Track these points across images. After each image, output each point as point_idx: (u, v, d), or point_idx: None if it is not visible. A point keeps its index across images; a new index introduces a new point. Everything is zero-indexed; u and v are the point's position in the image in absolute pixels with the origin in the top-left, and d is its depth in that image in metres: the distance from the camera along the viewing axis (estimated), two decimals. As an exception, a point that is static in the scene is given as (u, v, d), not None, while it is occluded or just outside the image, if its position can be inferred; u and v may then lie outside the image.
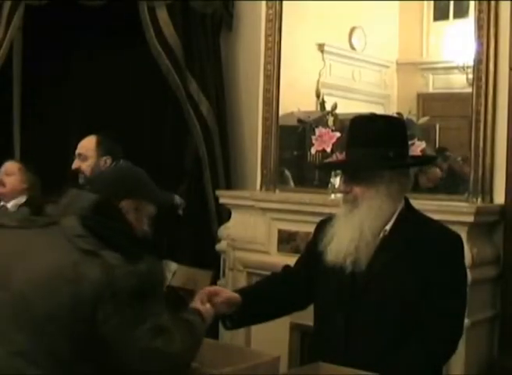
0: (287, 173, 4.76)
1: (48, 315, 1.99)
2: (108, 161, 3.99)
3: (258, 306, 2.72)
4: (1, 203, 4.47)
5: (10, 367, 1.98)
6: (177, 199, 2.60)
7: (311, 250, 2.76)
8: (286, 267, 2.91)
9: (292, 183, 4.73)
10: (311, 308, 2.80)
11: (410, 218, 2.59)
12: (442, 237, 2.58)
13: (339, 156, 4.14)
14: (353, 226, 2.52)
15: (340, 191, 2.70)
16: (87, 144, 4.03)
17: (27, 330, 1.99)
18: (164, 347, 2.06)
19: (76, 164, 4.02)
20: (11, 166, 4.54)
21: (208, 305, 2.44)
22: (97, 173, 3.90)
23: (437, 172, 4.27)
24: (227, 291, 2.70)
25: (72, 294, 1.99)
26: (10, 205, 4.43)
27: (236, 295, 2.64)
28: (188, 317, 2.29)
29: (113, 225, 2.16)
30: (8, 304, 2.04)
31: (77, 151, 4.04)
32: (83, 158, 4.00)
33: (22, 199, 4.44)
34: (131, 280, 2.01)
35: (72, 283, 2.00)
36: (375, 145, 2.54)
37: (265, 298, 2.76)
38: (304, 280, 2.77)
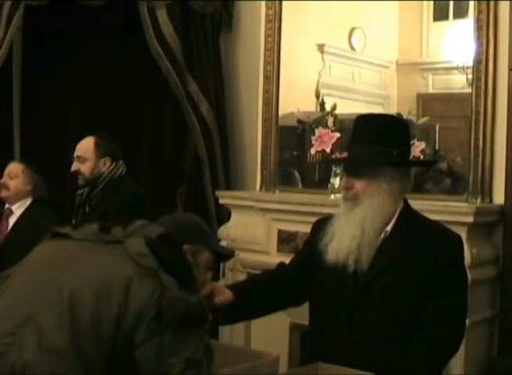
0: (297, 174, 4.75)
1: (92, 320, 2.00)
2: (108, 162, 3.98)
3: (250, 302, 2.71)
4: (6, 206, 4.45)
5: (39, 362, 1.99)
6: (227, 249, 2.79)
7: (309, 249, 2.76)
8: (281, 264, 2.91)
9: (300, 185, 4.72)
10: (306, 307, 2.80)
11: (410, 219, 2.60)
12: (443, 237, 2.58)
13: (340, 156, 4.14)
14: (355, 223, 2.52)
15: (341, 188, 2.70)
16: (85, 146, 4.02)
17: (68, 330, 2.00)
18: None
19: (75, 166, 4.01)
20: (14, 168, 4.47)
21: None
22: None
23: (448, 183, 4.28)
24: (223, 288, 2.68)
25: (119, 304, 2.00)
26: (15, 207, 4.41)
27: (230, 294, 2.63)
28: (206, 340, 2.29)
29: (174, 254, 2.18)
30: (58, 303, 2.04)
31: (76, 154, 4.02)
32: (82, 160, 3.99)
33: (27, 201, 4.42)
34: (179, 306, 2.03)
35: (122, 295, 2.01)
36: (379, 143, 2.55)
37: (257, 293, 2.75)
38: (299, 277, 2.76)
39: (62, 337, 1.99)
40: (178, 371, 2.02)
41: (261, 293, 2.75)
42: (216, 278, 4.52)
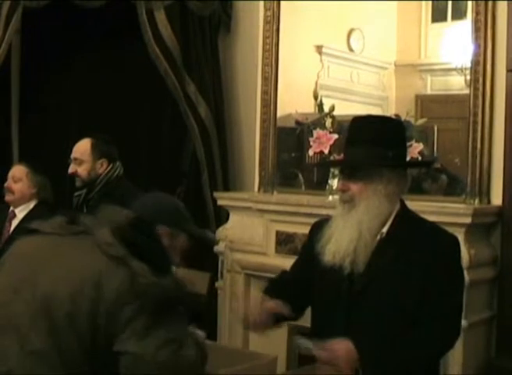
0: (301, 177, 4.75)
1: (67, 318, 2.02)
2: (105, 164, 3.99)
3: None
4: (11, 209, 4.44)
5: (22, 365, 2.01)
6: (209, 234, 2.70)
7: (307, 252, 2.76)
8: (284, 273, 2.91)
9: (303, 187, 4.72)
10: (308, 310, 2.81)
11: (406, 220, 2.60)
12: (439, 238, 2.58)
13: (337, 158, 4.15)
14: (352, 226, 2.52)
15: (338, 190, 2.70)
16: (82, 148, 4.03)
17: (46, 330, 2.02)
18: (170, 356, 2.06)
19: (72, 168, 4.02)
20: (18, 171, 4.44)
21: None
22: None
23: (445, 179, 4.27)
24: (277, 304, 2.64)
25: (93, 298, 2.02)
26: (18, 210, 4.40)
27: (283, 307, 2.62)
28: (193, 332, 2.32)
29: (144, 239, 2.17)
30: (32, 304, 2.06)
31: (72, 155, 4.03)
32: (79, 162, 4.00)
33: (31, 204, 4.40)
34: (152, 291, 2.03)
35: (94, 289, 2.02)
36: (375, 145, 2.54)
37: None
38: (303, 286, 2.76)
39: (40, 338, 2.02)
40: (157, 351, 2.03)
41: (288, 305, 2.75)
42: (214, 280, 4.53)
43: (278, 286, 2.83)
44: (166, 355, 2.04)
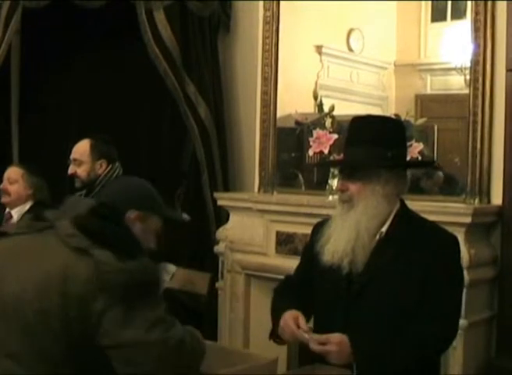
0: (301, 177, 4.75)
1: (38, 314, 2.01)
2: (104, 164, 3.99)
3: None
4: (7, 210, 4.44)
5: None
6: (184, 216, 2.75)
7: (309, 253, 2.76)
8: (289, 278, 2.90)
9: (303, 187, 4.72)
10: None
11: (406, 219, 2.60)
12: (438, 237, 2.58)
13: (337, 158, 4.15)
14: (350, 226, 2.53)
15: (337, 190, 2.71)
16: (81, 149, 4.03)
17: (18, 332, 2.01)
18: (162, 335, 2.06)
19: (71, 169, 4.02)
20: (13, 173, 4.44)
21: None
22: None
23: (441, 176, 4.27)
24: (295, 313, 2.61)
25: (61, 293, 2.01)
26: (14, 211, 4.40)
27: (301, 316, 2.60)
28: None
29: (108, 225, 2.16)
30: (2, 306, 2.05)
31: (72, 156, 4.03)
32: (78, 163, 4.00)
33: (27, 205, 4.40)
34: (120, 278, 2.01)
35: (61, 283, 2.01)
36: (374, 145, 2.55)
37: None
38: (309, 287, 2.76)
39: (16, 340, 2.01)
40: (141, 336, 2.02)
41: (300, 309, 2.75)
42: (214, 280, 4.53)
43: (287, 294, 2.80)
44: (157, 334, 2.04)
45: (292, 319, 2.54)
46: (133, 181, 2.52)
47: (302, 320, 2.53)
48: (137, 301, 2.04)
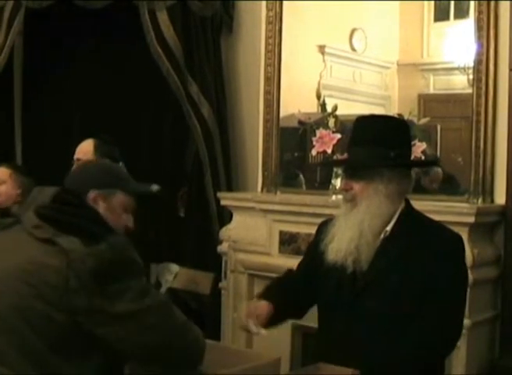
0: (302, 177, 4.75)
1: (16, 311, 2.00)
2: (107, 164, 3.99)
3: (285, 314, 2.77)
4: None
5: None
6: (154, 187, 2.59)
7: (313, 251, 2.76)
8: (289, 272, 2.92)
9: (304, 187, 4.72)
10: (312, 309, 2.81)
11: (410, 219, 2.60)
12: (443, 237, 2.58)
13: (340, 157, 4.15)
14: (353, 225, 2.53)
15: (341, 189, 2.72)
16: (85, 149, 4.04)
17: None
18: (153, 301, 2.08)
19: None
20: (1, 173, 4.40)
21: None
22: None
23: (439, 173, 4.27)
24: (262, 304, 2.68)
25: (34, 285, 2.00)
26: None
27: (271, 307, 2.66)
28: None
29: (68, 210, 2.13)
30: None
31: (76, 156, 4.04)
32: (82, 162, 4.00)
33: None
34: (89, 262, 1.99)
35: (33, 275, 2.00)
36: (377, 145, 2.55)
37: (288, 304, 2.77)
38: (308, 285, 2.77)
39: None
40: (132, 306, 2.03)
41: (290, 305, 2.78)
42: (218, 280, 4.53)
43: (277, 286, 2.85)
44: (149, 301, 2.07)
45: (254, 308, 2.62)
46: (92, 163, 2.53)
47: (262, 312, 2.61)
48: (115, 282, 2.02)
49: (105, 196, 2.29)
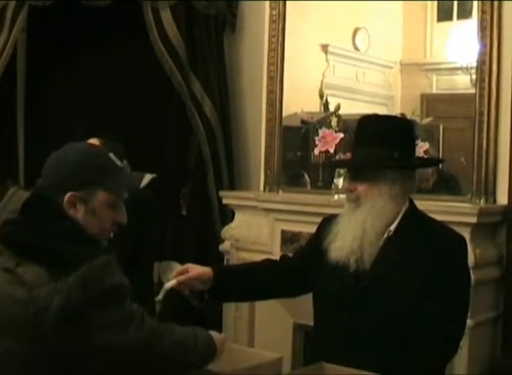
0: (307, 177, 4.75)
1: None
2: (113, 163, 3.98)
3: (232, 283, 2.74)
4: None
5: None
6: (146, 177, 2.20)
7: (313, 245, 2.76)
8: (283, 256, 2.98)
9: (309, 187, 4.72)
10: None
11: (414, 219, 2.60)
12: (446, 238, 2.58)
13: (343, 157, 4.15)
14: (356, 224, 2.53)
15: (344, 189, 2.72)
16: None
17: None
18: (138, 331, 1.85)
19: None
20: None
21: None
22: None
23: (427, 170, 4.23)
24: (198, 267, 2.67)
25: (3, 318, 1.82)
26: None
27: (208, 271, 2.65)
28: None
29: (37, 226, 1.87)
30: None
31: None
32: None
33: None
34: (55, 300, 1.75)
35: (1, 306, 1.82)
36: (381, 145, 2.54)
37: (242, 276, 2.79)
38: (298, 270, 2.79)
39: None
40: (106, 341, 1.82)
41: (246, 278, 2.79)
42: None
43: (248, 264, 2.96)
44: (133, 331, 1.84)
45: (186, 267, 2.62)
46: (66, 152, 2.11)
47: (193, 272, 2.61)
48: (88, 317, 1.78)
49: (83, 198, 1.99)
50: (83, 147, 2.17)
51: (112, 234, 2.10)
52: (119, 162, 2.13)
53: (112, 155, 2.12)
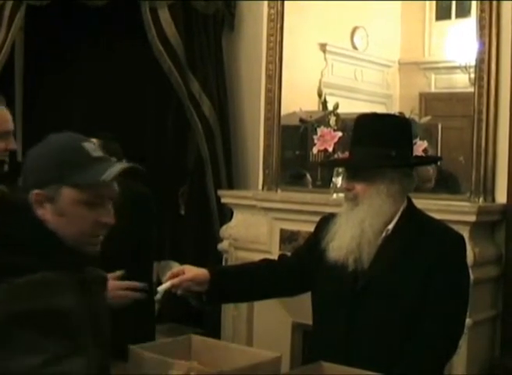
0: (308, 176, 4.75)
1: None
2: (111, 163, 3.98)
3: (230, 284, 2.72)
4: None
5: None
6: (116, 167, 1.90)
7: (312, 245, 2.75)
8: (281, 255, 2.97)
9: (308, 185, 4.72)
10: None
11: (412, 218, 2.59)
12: (445, 236, 2.57)
13: (341, 156, 4.15)
14: (354, 223, 2.52)
15: (343, 188, 2.71)
16: None
17: None
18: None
19: None
20: None
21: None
22: None
23: (429, 170, 4.24)
24: (194, 268, 2.65)
25: None
26: None
27: (204, 272, 2.63)
28: None
29: None
30: None
31: None
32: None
33: None
34: None
35: None
36: (378, 144, 2.54)
37: (240, 277, 2.77)
38: (297, 269, 2.77)
39: None
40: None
41: (248, 277, 2.77)
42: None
43: (245, 264, 2.92)
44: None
45: (181, 270, 2.59)
46: (38, 146, 1.90)
47: (188, 274, 2.58)
48: (12, 336, 1.63)
49: (48, 196, 1.79)
50: (53, 139, 1.91)
51: (101, 238, 1.88)
52: (96, 154, 1.88)
53: (87, 146, 1.89)
